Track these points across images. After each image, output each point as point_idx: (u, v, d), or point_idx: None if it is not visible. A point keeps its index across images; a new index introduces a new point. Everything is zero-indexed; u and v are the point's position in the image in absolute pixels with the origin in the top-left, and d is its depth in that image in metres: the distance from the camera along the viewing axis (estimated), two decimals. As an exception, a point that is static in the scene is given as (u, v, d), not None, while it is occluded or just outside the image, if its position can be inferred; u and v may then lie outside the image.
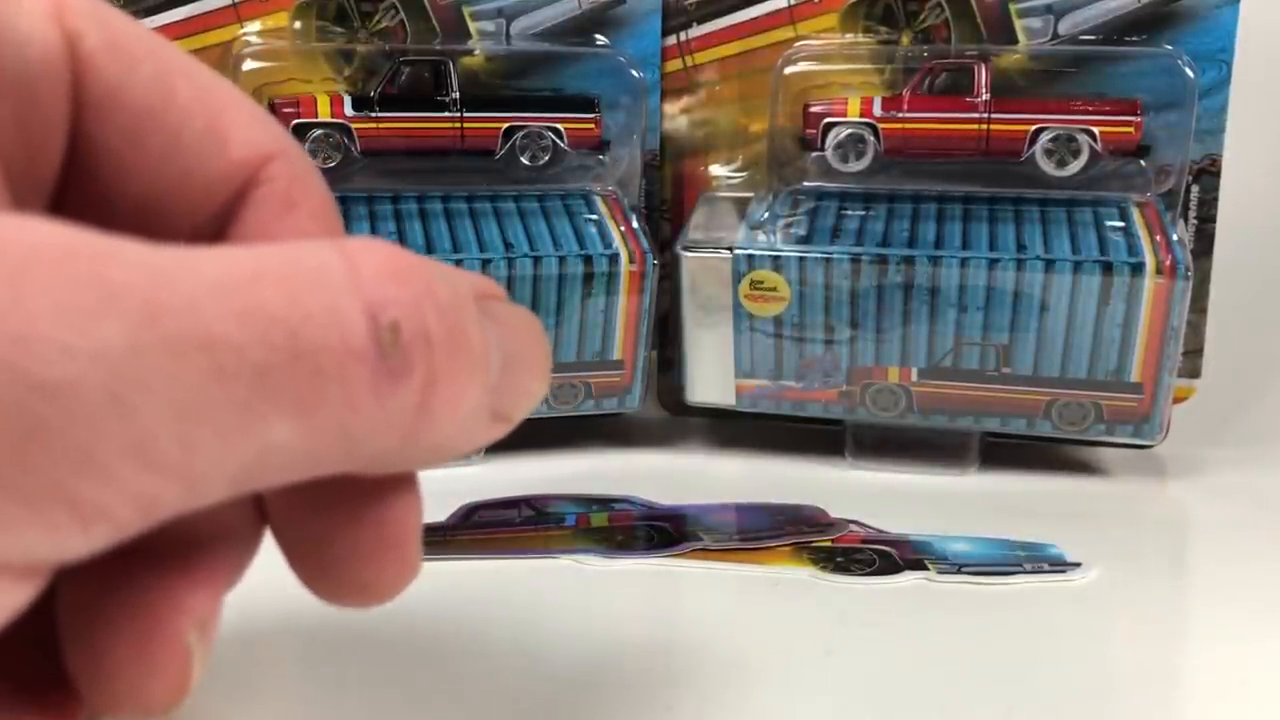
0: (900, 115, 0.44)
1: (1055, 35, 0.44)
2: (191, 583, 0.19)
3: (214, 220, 0.21)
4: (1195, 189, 0.44)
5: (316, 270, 0.17)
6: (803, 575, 0.35)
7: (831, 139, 0.45)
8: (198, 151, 0.21)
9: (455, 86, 0.44)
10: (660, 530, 0.38)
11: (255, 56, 0.44)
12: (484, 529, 0.38)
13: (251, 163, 0.21)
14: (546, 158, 0.45)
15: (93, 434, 0.15)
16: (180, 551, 0.19)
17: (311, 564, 0.20)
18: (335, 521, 0.19)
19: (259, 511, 0.20)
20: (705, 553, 0.36)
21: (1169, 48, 0.43)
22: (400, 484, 0.20)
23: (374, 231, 0.42)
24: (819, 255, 0.42)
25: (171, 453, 0.15)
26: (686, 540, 0.37)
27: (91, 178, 0.20)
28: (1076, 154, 0.43)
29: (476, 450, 0.19)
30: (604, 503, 0.40)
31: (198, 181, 0.21)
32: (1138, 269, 0.40)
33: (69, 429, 0.14)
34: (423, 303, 0.17)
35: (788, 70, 0.46)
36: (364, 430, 0.17)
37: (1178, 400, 0.45)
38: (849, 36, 0.46)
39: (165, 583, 0.18)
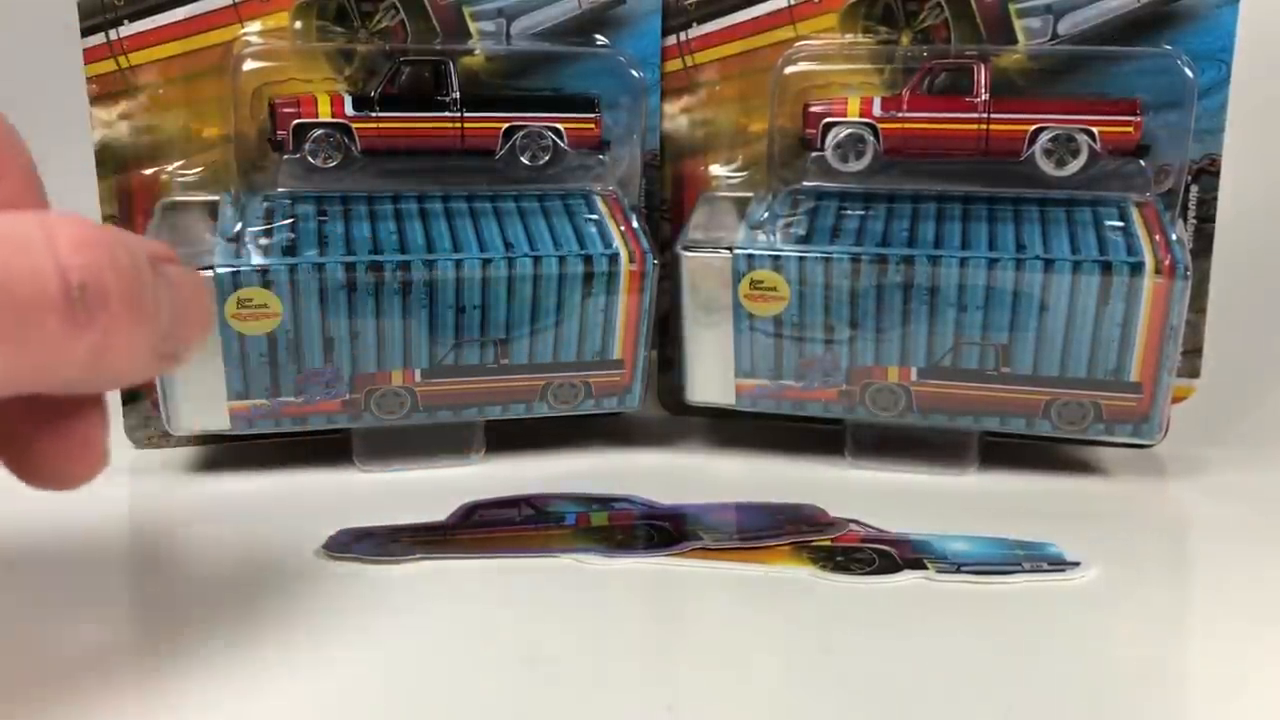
0: (900, 115, 0.44)
1: (1054, 35, 0.44)
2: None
3: None
4: (1194, 189, 0.44)
5: (23, 238, 0.22)
6: (802, 575, 0.35)
7: (831, 139, 0.45)
8: None
9: (455, 86, 0.45)
10: (660, 529, 0.38)
11: (256, 56, 0.44)
12: (484, 528, 0.38)
13: None
14: (546, 157, 0.46)
15: None
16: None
17: (18, 459, 0.26)
18: (38, 426, 0.26)
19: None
20: (705, 552, 0.36)
21: (1168, 48, 0.43)
22: (89, 400, 0.26)
23: (374, 231, 0.42)
24: (819, 255, 0.42)
25: None
26: (686, 539, 0.37)
27: None
28: (1076, 154, 0.43)
29: (144, 379, 0.27)
30: (604, 502, 0.40)
31: None
32: (1137, 269, 0.40)
33: None
34: (105, 268, 0.23)
35: (788, 70, 0.46)
36: (57, 363, 0.23)
37: (1177, 400, 0.45)
38: (849, 36, 0.46)
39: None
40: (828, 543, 0.37)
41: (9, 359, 0.22)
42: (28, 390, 0.23)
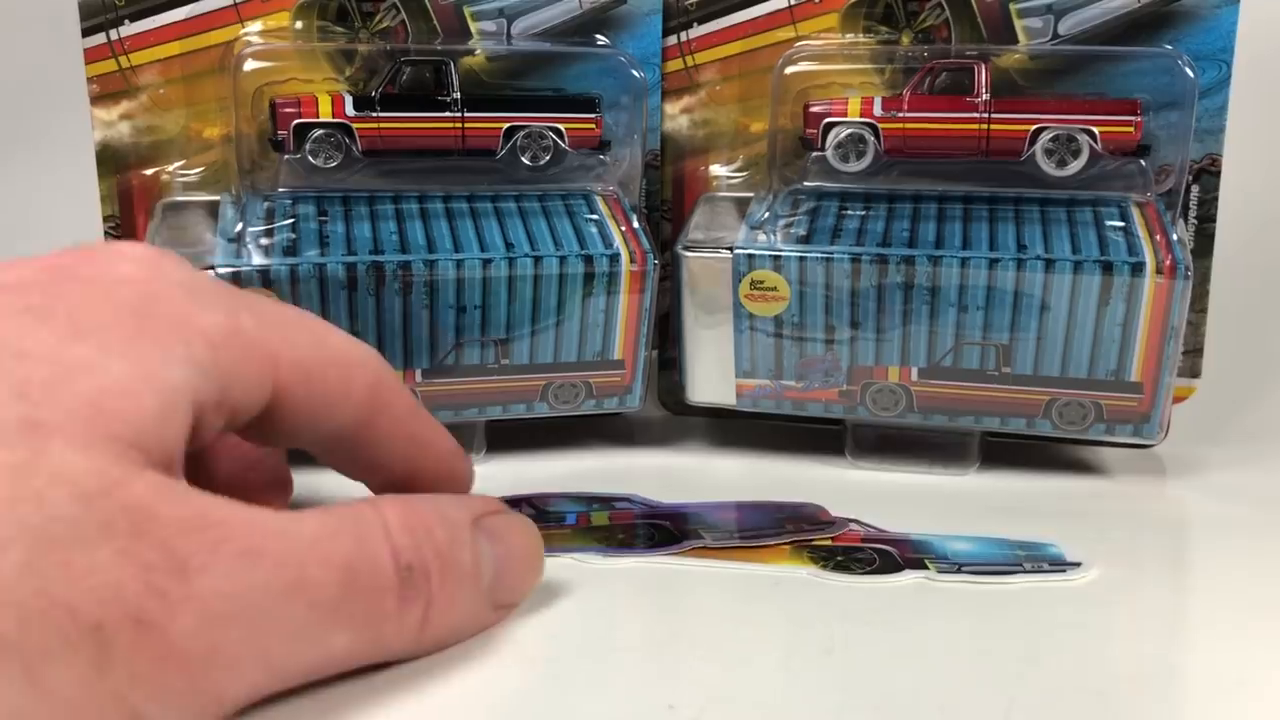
0: (900, 115, 0.44)
1: (1055, 35, 0.44)
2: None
3: (352, 422, 0.31)
4: (1195, 189, 0.44)
5: (363, 528, 0.27)
6: (802, 574, 0.35)
7: (832, 139, 0.45)
8: (338, 405, 0.30)
9: (456, 86, 0.45)
10: (661, 529, 0.38)
11: (256, 56, 0.44)
12: None
13: (368, 395, 0.31)
14: (547, 158, 0.46)
15: (243, 649, 0.24)
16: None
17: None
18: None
19: None
20: (705, 551, 0.36)
21: (1169, 48, 0.43)
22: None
23: (375, 231, 0.42)
24: (819, 255, 0.42)
25: (277, 657, 0.25)
26: (687, 538, 0.37)
27: (278, 421, 0.30)
28: (1076, 154, 0.43)
29: (476, 633, 0.30)
30: (605, 501, 0.40)
31: (338, 419, 0.30)
32: (1138, 269, 0.40)
33: (227, 649, 0.24)
34: (424, 546, 0.27)
35: (788, 70, 0.46)
36: (390, 637, 0.27)
37: (1177, 400, 0.45)
38: (849, 36, 0.46)
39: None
40: (828, 542, 0.37)
41: (356, 638, 0.26)
42: (365, 664, 0.27)
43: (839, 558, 0.36)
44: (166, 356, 0.26)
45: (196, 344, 0.27)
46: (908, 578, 0.34)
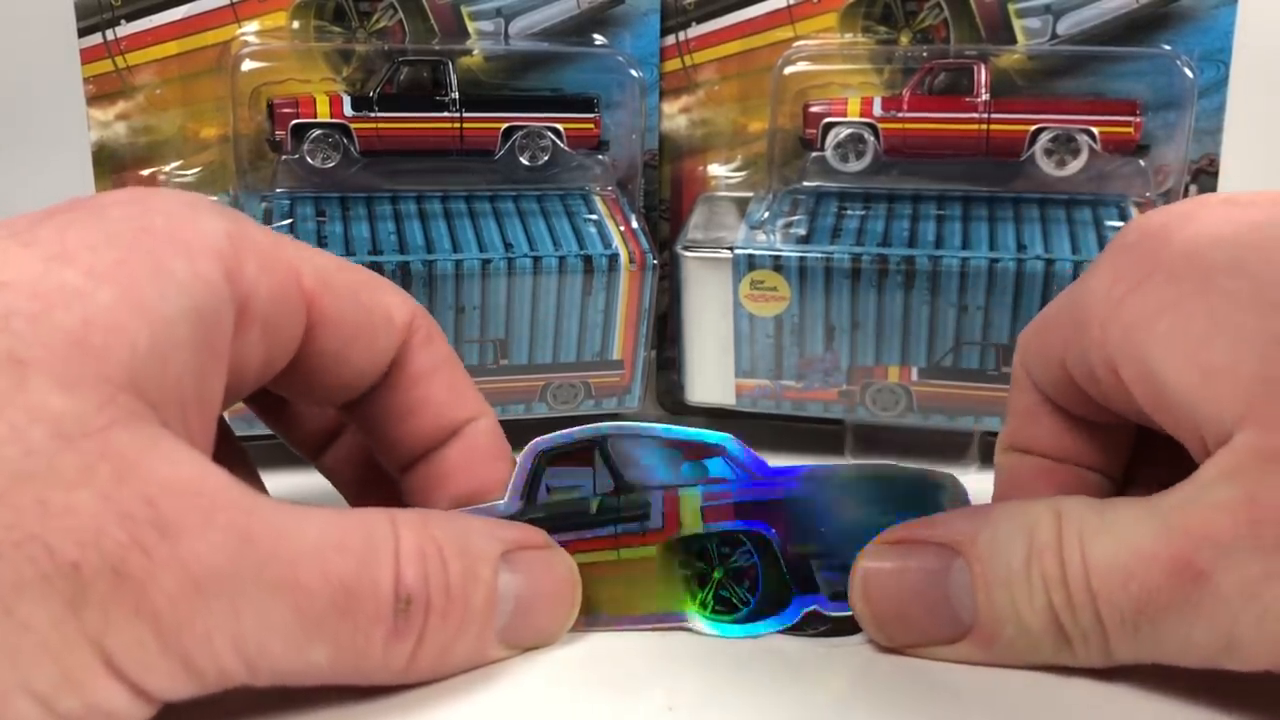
0: (900, 115, 0.44)
1: (1054, 35, 0.44)
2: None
3: (390, 362, 0.30)
4: (1193, 189, 0.44)
5: (375, 545, 0.25)
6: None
7: (831, 139, 0.45)
8: (380, 330, 0.30)
9: (454, 86, 0.44)
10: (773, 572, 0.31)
11: (253, 56, 0.44)
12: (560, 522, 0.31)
13: (406, 324, 0.30)
14: (546, 158, 0.45)
15: (218, 625, 0.23)
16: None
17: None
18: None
19: None
20: None
21: (1167, 48, 0.44)
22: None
23: (373, 232, 0.42)
24: (819, 255, 0.42)
25: (252, 648, 0.23)
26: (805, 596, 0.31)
27: (312, 365, 0.29)
28: (1076, 154, 0.43)
29: (479, 666, 0.28)
30: (696, 459, 0.33)
31: (380, 345, 0.30)
32: (1137, 268, 0.40)
33: (203, 622, 0.23)
34: (431, 579, 0.26)
35: (787, 70, 0.46)
36: (371, 666, 0.25)
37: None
38: (848, 36, 0.46)
39: None
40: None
41: (335, 657, 0.24)
42: (343, 683, 0.26)
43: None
44: (162, 280, 0.24)
45: (200, 257, 0.25)
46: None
